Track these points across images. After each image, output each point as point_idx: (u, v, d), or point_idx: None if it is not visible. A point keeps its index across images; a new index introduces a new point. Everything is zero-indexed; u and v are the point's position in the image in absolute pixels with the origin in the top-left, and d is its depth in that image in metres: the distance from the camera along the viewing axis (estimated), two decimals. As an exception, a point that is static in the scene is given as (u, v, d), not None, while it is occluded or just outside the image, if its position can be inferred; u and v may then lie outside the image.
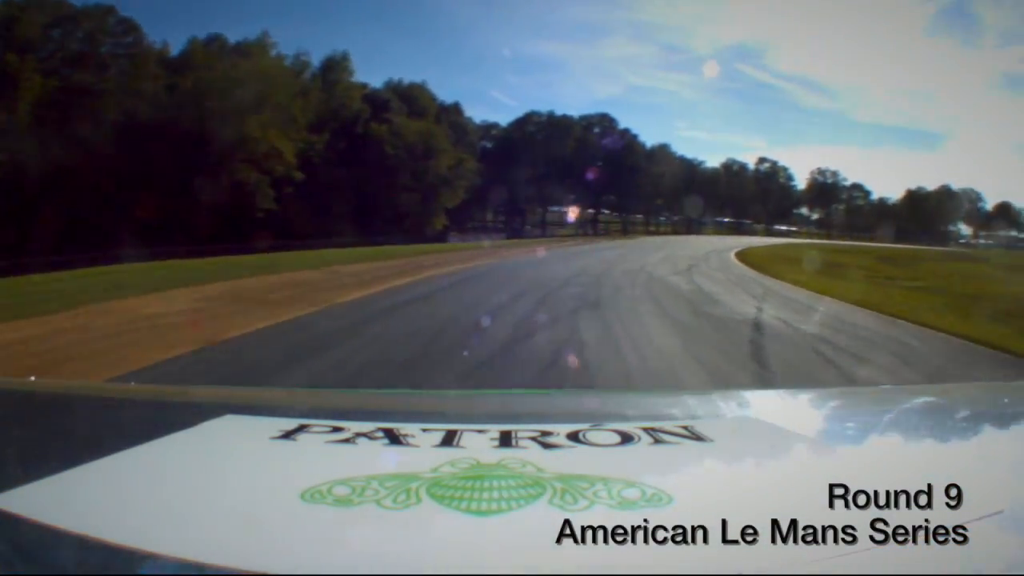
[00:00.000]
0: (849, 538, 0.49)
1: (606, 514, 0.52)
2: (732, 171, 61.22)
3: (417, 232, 34.69)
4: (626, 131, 52.80)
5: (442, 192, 36.59)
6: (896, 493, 0.59)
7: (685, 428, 0.76)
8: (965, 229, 72.35)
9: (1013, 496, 0.60)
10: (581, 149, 49.03)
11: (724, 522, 0.53)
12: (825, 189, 65.92)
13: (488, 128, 49.18)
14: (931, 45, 73.95)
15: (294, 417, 0.83)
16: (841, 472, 0.67)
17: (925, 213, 67.10)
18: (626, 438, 0.72)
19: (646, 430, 0.74)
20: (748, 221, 63.09)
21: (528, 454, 0.67)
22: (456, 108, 43.59)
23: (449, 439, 0.72)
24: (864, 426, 1.04)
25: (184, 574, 0.45)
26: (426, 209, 36.16)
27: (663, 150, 55.47)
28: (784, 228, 65.36)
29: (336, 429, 0.76)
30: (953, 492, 0.56)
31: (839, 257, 24.63)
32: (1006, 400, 1.18)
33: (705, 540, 0.49)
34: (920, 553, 0.48)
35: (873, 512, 0.55)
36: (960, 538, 0.50)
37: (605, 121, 52.65)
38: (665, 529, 0.50)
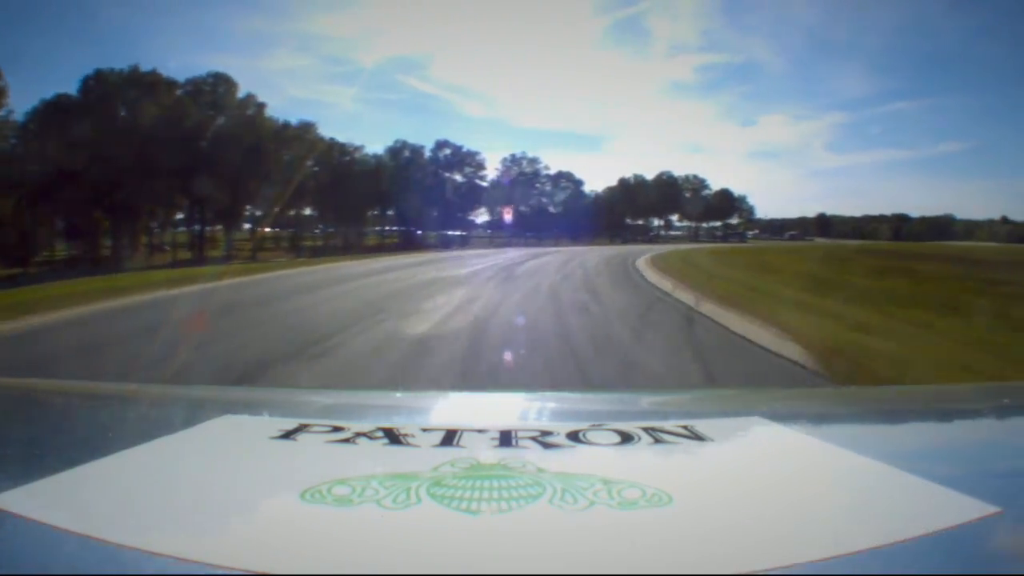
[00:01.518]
0: (849, 538, 0.49)
1: (606, 514, 0.52)
2: (402, 159, 45.80)
3: None
4: (250, 97, 35.19)
5: None
6: (896, 493, 0.59)
7: (685, 428, 0.76)
8: (679, 221, 67.82)
9: (1012, 496, 0.60)
10: (176, 123, 30.80)
11: (724, 522, 0.53)
12: (522, 180, 54.93)
13: (51, 105, 30.74)
14: (602, 56, 77.66)
15: (294, 417, 0.83)
16: (841, 472, 0.67)
17: (642, 204, 60.69)
18: (626, 438, 0.72)
19: (646, 430, 0.74)
20: (419, 231, 49.71)
21: (528, 454, 0.67)
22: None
23: (449, 439, 0.72)
24: (864, 426, 1.04)
25: (184, 574, 0.45)
26: None
27: (305, 129, 38.46)
28: (460, 234, 52.71)
29: (336, 429, 0.76)
30: (953, 492, 0.56)
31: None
32: (1006, 400, 1.18)
33: (705, 540, 0.49)
34: (920, 553, 0.48)
35: (873, 512, 0.56)
36: (960, 538, 0.50)
37: (221, 84, 34.22)
38: (665, 529, 0.50)
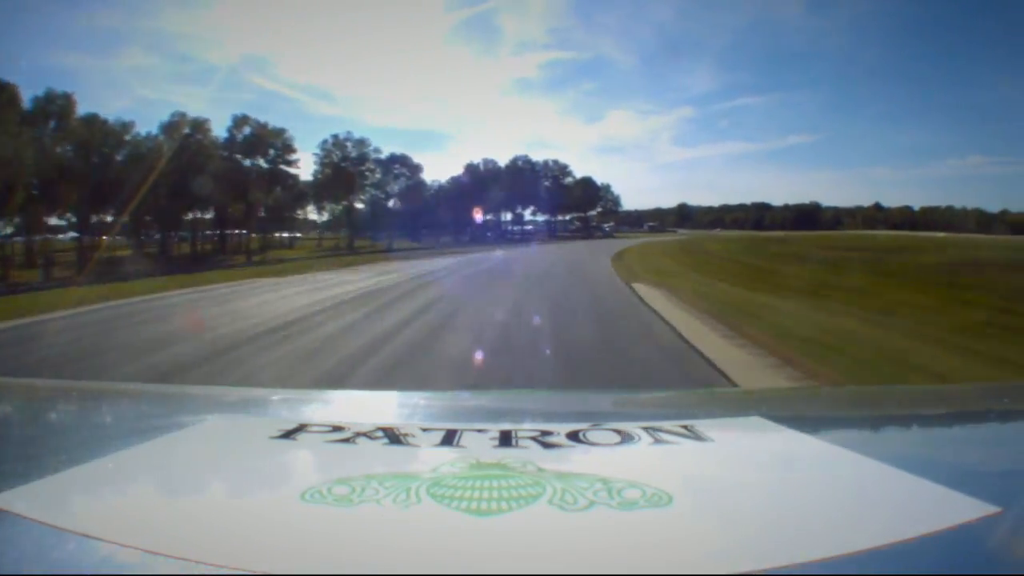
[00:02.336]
0: (849, 538, 0.49)
1: (606, 514, 0.52)
2: (184, 140, 33.29)
3: None
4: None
5: None
6: (896, 493, 0.59)
7: (685, 428, 0.76)
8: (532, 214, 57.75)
9: (1012, 496, 0.60)
10: None
11: (724, 522, 0.53)
12: (344, 168, 43.96)
13: None
14: (449, 54, 76.97)
15: (294, 417, 0.83)
16: (841, 472, 0.67)
17: (495, 195, 51.62)
18: (626, 438, 0.72)
19: (646, 430, 0.74)
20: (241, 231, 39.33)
21: (528, 454, 0.67)
22: None
23: (449, 439, 0.72)
24: (864, 425, 1.04)
25: (184, 574, 0.45)
26: None
27: (50, 100, 29.07)
28: (287, 235, 44.35)
29: (336, 429, 0.76)
30: (953, 492, 0.56)
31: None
32: (1006, 400, 1.18)
33: (705, 540, 0.49)
34: (920, 553, 0.48)
35: (873, 512, 0.56)
36: (960, 538, 0.50)
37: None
38: (665, 529, 0.50)
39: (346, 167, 44.29)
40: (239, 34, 65.52)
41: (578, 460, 0.66)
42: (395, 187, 47.89)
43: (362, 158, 45.19)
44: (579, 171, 62.76)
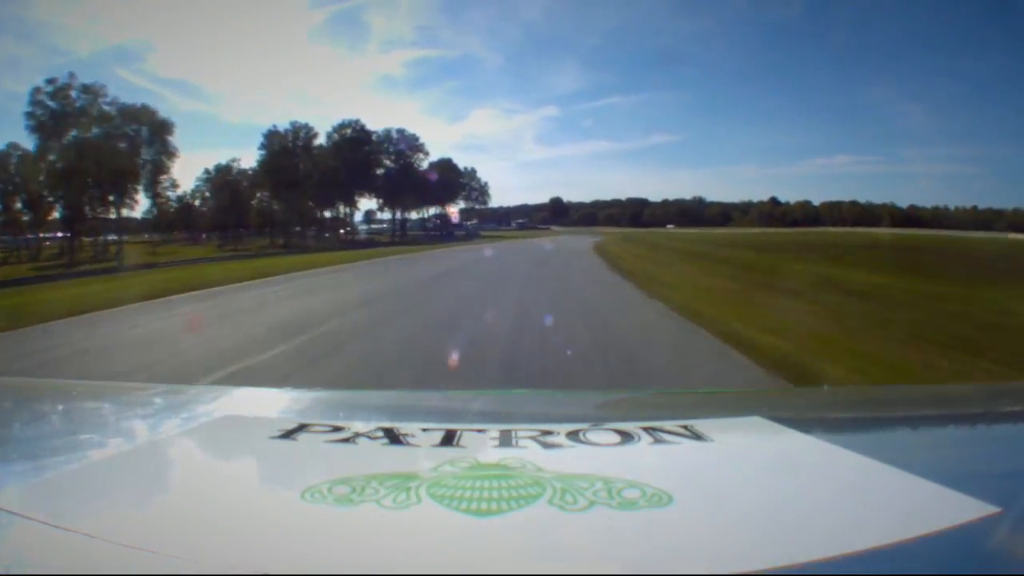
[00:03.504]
0: (849, 538, 0.49)
1: (606, 514, 0.52)
2: None
3: None
4: None
5: None
6: (896, 493, 0.59)
7: (685, 428, 0.76)
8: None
9: (1012, 496, 0.60)
10: None
11: (724, 522, 0.53)
12: (67, 133, 27.13)
13: None
14: (316, 51, 75.65)
15: (294, 417, 0.83)
16: (841, 472, 0.67)
17: (323, 179, 36.25)
18: (626, 438, 0.72)
19: (646, 430, 0.74)
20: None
21: (528, 454, 0.67)
22: None
23: (449, 439, 0.72)
24: (864, 425, 1.04)
25: (184, 573, 0.45)
26: None
27: None
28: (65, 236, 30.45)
29: (336, 429, 0.76)
30: (953, 492, 0.56)
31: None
32: (1006, 400, 1.18)
33: (705, 540, 0.49)
34: (920, 553, 0.48)
35: (873, 512, 0.56)
36: (960, 538, 0.50)
37: None
38: (665, 529, 0.50)
39: (66, 129, 27.55)
40: (108, 26, 63.55)
41: (578, 460, 0.66)
42: (141, 152, 30.38)
43: (80, 114, 27.64)
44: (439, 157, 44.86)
